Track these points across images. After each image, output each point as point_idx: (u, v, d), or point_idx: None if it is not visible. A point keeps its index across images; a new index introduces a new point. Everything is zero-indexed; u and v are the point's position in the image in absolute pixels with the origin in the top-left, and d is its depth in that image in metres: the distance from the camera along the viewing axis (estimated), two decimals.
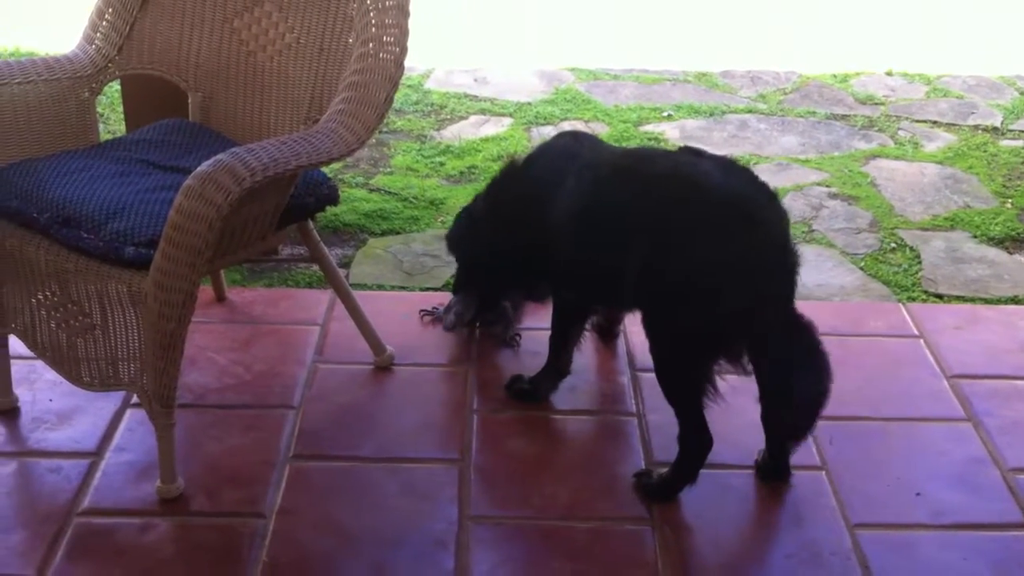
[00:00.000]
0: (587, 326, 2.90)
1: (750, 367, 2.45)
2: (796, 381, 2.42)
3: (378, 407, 2.81)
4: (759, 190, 2.44)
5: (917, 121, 4.78)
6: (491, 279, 2.98)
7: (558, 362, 2.84)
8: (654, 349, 2.49)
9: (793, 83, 5.19)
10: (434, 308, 3.14)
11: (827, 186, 4.15)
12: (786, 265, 2.40)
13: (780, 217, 2.43)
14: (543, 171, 2.71)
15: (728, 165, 2.49)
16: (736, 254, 2.31)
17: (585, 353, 3.03)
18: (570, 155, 2.66)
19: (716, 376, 2.44)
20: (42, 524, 2.38)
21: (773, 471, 2.58)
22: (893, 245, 3.73)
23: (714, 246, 2.31)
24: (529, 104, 4.81)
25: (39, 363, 2.67)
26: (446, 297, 3.19)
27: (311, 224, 2.78)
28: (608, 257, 2.48)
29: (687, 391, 2.45)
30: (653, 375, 2.54)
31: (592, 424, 2.80)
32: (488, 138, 4.44)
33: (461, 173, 4.14)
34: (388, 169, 4.17)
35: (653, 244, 2.37)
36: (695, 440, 2.47)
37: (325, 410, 2.78)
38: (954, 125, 4.74)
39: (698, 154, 2.57)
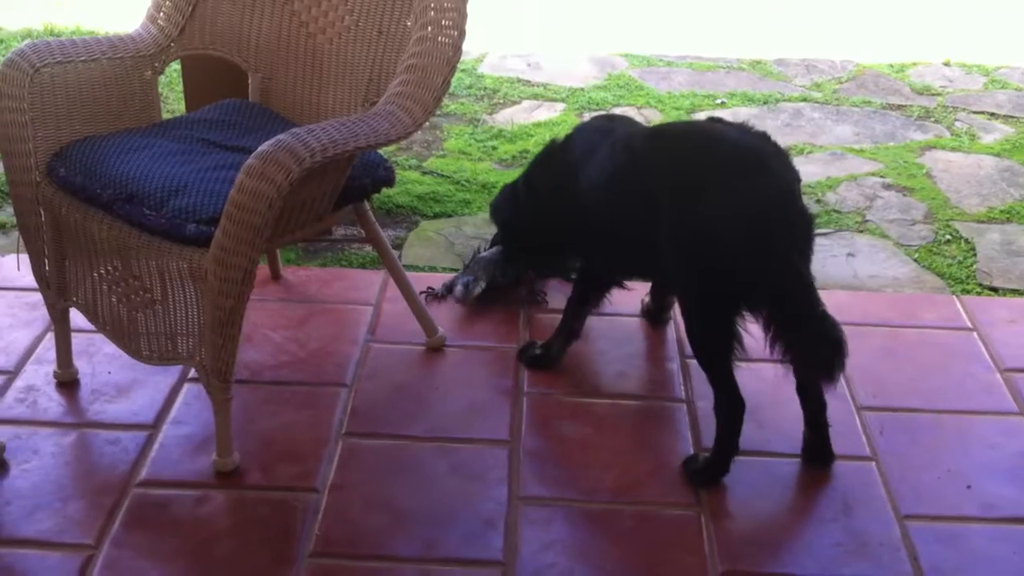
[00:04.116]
0: (610, 299, 2.97)
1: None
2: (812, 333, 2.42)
3: (429, 387, 2.84)
4: (771, 146, 2.53)
5: (974, 112, 4.72)
6: (524, 246, 3.11)
7: (572, 325, 2.92)
8: (682, 305, 2.60)
9: (849, 72, 5.15)
10: (429, 288, 3.19)
11: (882, 176, 4.12)
12: (798, 213, 2.45)
13: (790, 170, 2.51)
14: (578, 146, 2.82)
15: (743, 127, 2.60)
16: (748, 199, 2.39)
17: (634, 339, 3.05)
18: (604, 132, 2.78)
19: (742, 332, 2.47)
20: (100, 494, 2.43)
21: (817, 451, 2.60)
22: (948, 237, 3.70)
23: (727, 192, 2.39)
24: (582, 90, 4.81)
25: (98, 336, 2.73)
26: None
27: (367, 205, 2.81)
28: (638, 220, 2.54)
29: (715, 347, 2.49)
30: None
31: (641, 409, 2.81)
32: (540, 123, 4.45)
33: (513, 157, 4.16)
34: (441, 152, 4.19)
35: (673, 196, 2.45)
36: (729, 403, 2.49)
37: (377, 389, 2.81)
38: (1012, 117, 4.68)
39: (719, 121, 2.69)
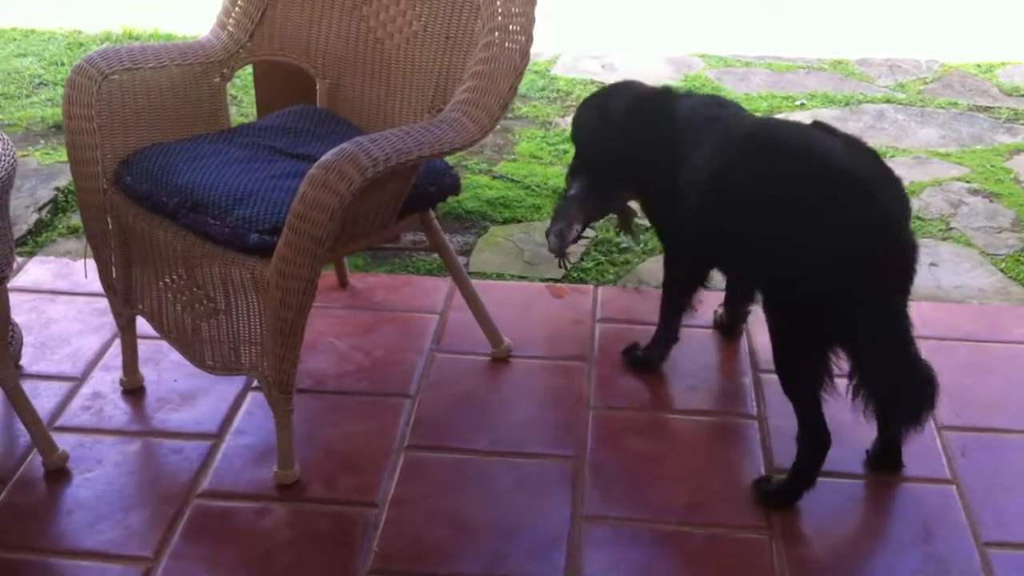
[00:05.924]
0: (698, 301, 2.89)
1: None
2: (892, 368, 2.32)
3: (494, 399, 2.79)
4: (882, 171, 2.40)
5: None
6: (608, 181, 2.85)
7: (668, 329, 2.87)
8: (772, 331, 2.45)
9: (934, 72, 5.00)
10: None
11: (968, 182, 3.98)
12: (900, 247, 2.32)
13: (899, 200, 2.37)
14: (684, 131, 2.64)
15: (855, 144, 2.46)
16: (847, 229, 2.26)
17: (707, 351, 2.97)
18: (712, 119, 2.63)
19: (832, 366, 2.36)
20: (162, 504, 2.42)
21: (884, 460, 2.53)
22: None
23: (833, 220, 2.27)
24: None
25: (164, 344, 2.72)
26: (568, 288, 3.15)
27: (432, 213, 2.78)
28: (732, 227, 2.45)
29: (802, 378, 2.39)
30: (776, 376, 2.46)
31: (711, 425, 2.73)
32: None
33: None
34: (512, 156, 4.14)
35: (775, 215, 2.34)
36: (813, 437, 2.40)
37: (441, 399, 2.77)
38: None
39: (829, 131, 2.52)
